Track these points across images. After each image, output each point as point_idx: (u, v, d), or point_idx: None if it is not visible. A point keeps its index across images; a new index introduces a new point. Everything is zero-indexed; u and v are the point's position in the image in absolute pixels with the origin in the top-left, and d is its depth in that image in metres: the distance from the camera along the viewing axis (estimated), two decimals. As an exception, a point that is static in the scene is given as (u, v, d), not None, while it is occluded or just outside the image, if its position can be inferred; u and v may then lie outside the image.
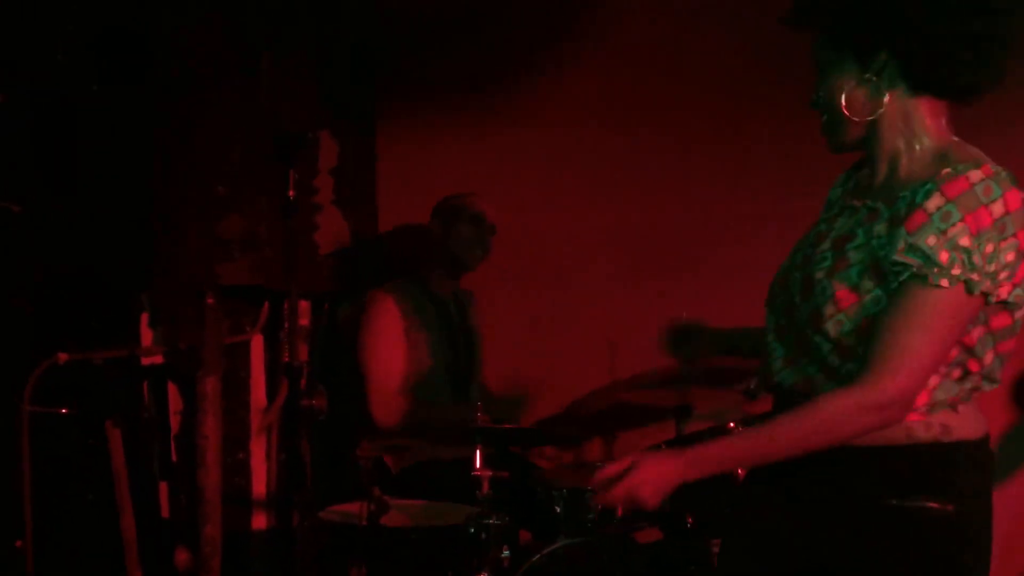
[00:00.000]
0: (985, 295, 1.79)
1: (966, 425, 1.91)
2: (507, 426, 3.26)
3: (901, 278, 1.79)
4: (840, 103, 1.89)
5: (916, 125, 1.89)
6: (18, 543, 2.59)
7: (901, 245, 1.79)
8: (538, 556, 2.93)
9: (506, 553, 2.87)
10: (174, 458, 3.49)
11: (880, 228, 1.84)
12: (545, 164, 4.15)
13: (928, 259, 1.76)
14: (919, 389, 1.83)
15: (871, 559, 1.89)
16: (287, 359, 2.61)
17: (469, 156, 4.16)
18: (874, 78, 1.86)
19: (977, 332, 1.85)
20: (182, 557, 3.25)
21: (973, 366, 1.87)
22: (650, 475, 1.92)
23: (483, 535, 2.82)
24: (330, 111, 4.05)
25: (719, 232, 3.98)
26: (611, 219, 4.08)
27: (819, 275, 1.88)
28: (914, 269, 1.77)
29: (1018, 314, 1.87)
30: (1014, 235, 1.78)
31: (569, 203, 4.12)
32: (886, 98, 1.86)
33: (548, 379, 4.13)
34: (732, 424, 2.92)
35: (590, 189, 4.11)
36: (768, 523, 2.02)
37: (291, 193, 2.52)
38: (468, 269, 3.81)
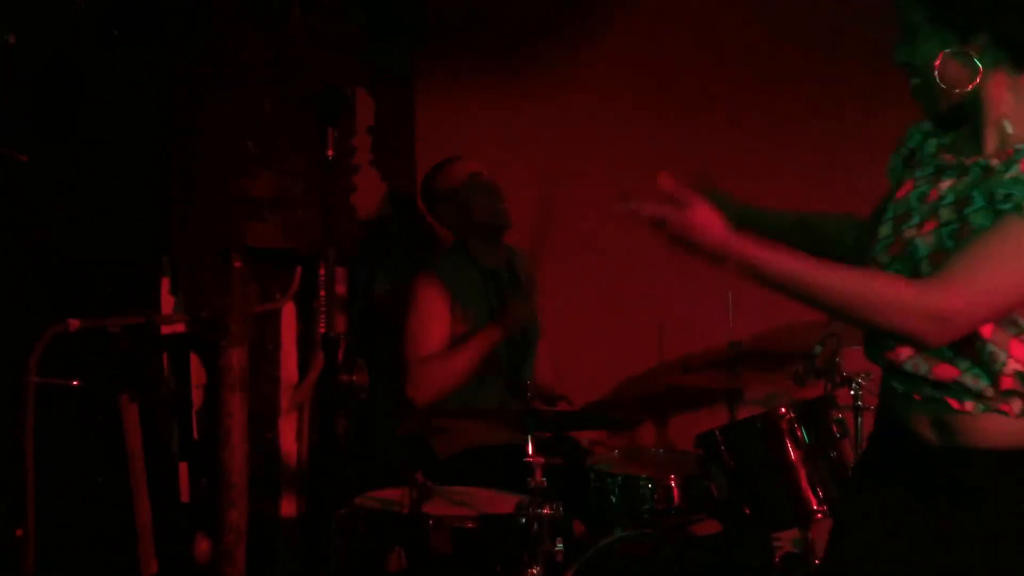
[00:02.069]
0: None
1: None
2: (559, 409, 3.10)
3: (1002, 207, 1.80)
4: (936, 75, 1.92)
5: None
6: (18, 532, 2.39)
7: (1014, 173, 1.82)
8: (593, 551, 2.85)
9: (560, 546, 2.74)
10: (195, 437, 3.35)
11: (998, 180, 1.86)
12: (588, 131, 4.09)
13: None
14: (975, 321, 1.81)
15: (1009, 567, 1.86)
16: (323, 330, 2.50)
17: (510, 118, 4.11)
18: (974, 55, 1.89)
19: None
20: (203, 546, 3.08)
21: None
22: (702, 219, 1.95)
23: (535, 526, 2.67)
24: (367, 67, 3.94)
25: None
26: (658, 191, 3.95)
27: (950, 244, 1.87)
28: (1017, 199, 1.78)
29: None
30: None
31: (617, 173, 4.00)
32: (988, 75, 1.90)
33: (594, 360, 4.07)
34: (783, 409, 2.88)
35: (640, 158, 3.97)
36: (890, 522, 1.96)
37: (330, 152, 2.44)
38: (507, 227, 3.64)
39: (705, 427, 2.99)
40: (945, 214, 1.88)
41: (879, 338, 1.94)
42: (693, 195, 1.96)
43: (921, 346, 1.85)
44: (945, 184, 1.92)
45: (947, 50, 1.88)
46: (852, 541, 2.02)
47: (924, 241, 1.89)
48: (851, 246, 2.14)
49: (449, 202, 3.62)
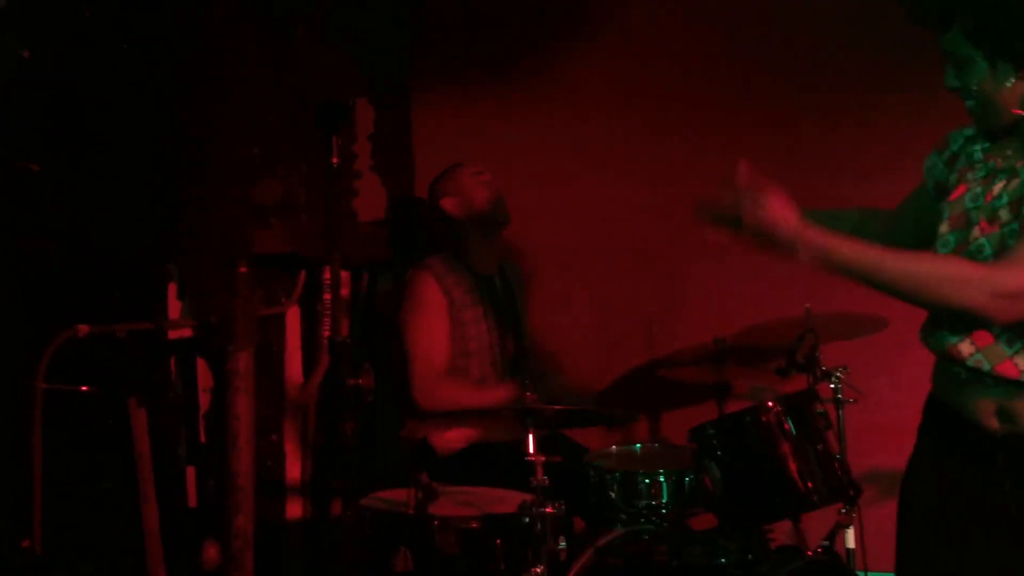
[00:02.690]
0: None
1: None
2: (557, 407, 3.11)
3: None
4: (995, 98, 2.03)
5: None
6: (24, 542, 2.38)
7: None
8: (594, 549, 2.85)
9: (563, 544, 2.75)
10: (203, 440, 3.36)
11: None
12: (580, 136, 4.14)
13: None
14: None
15: None
16: (328, 333, 2.49)
17: (505, 126, 4.16)
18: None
19: None
20: (211, 553, 3.06)
21: None
22: (779, 207, 1.99)
23: (539, 525, 2.69)
24: (367, 77, 3.98)
25: None
26: (646, 195, 4.06)
27: (1011, 242, 1.92)
28: None
29: None
30: None
31: (606, 178, 4.10)
32: None
33: (585, 357, 4.14)
34: (770, 403, 2.90)
35: (628, 163, 4.09)
36: (956, 505, 2.01)
37: (335, 160, 2.44)
38: (506, 222, 3.69)
39: (697, 421, 3.01)
40: (1004, 215, 1.96)
41: (941, 332, 1.98)
42: (770, 183, 2.00)
43: (990, 324, 1.90)
44: (998, 186, 1.99)
45: (1008, 80, 1.98)
46: (922, 527, 2.07)
47: (989, 241, 1.95)
48: (879, 233, 2.18)
49: (453, 196, 3.67)
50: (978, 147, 2.11)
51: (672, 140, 4.03)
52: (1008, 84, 2.01)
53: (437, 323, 3.52)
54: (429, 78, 4.24)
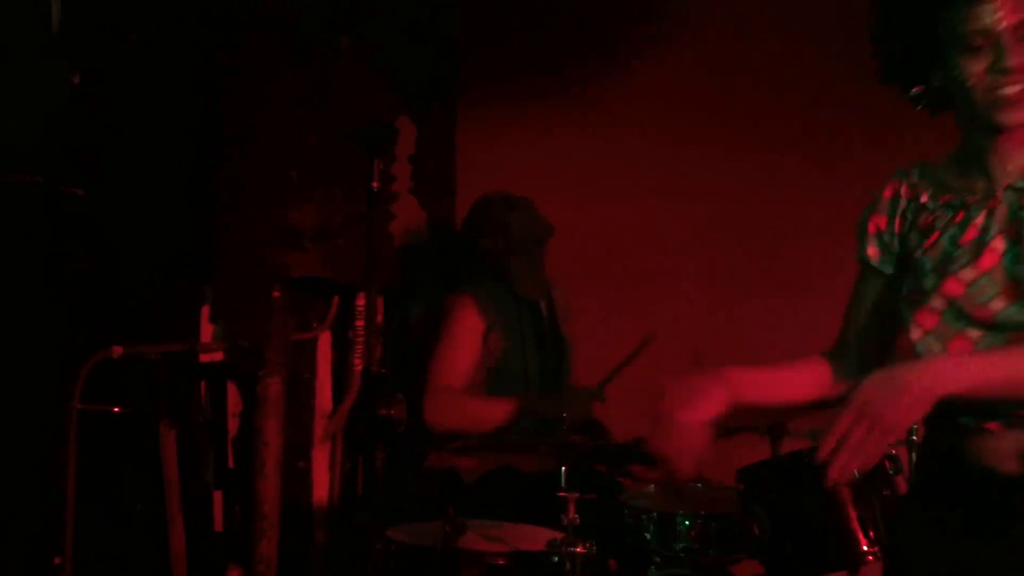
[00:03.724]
0: None
1: None
2: (593, 442, 3.06)
3: None
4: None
5: None
6: (56, 560, 2.38)
7: None
8: None
9: None
10: (231, 465, 3.33)
11: None
12: (629, 159, 4.08)
13: None
14: None
15: None
16: (359, 362, 2.47)
17: (549, 146, 4.11)
18: None
19: None
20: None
21: None
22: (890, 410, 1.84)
23: (568, 565, 2.62)
24: (408, 96, 3.95)
25: (813, 231, 3.85)
26: (694, 216, 4.01)
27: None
28: None
29: None
30: None
31: (652, 199, 4.05)
32: None
33: (627, 389, 3.89)
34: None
35: (675, 184, 4.04)
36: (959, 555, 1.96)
37: (375, 184, 2.40)
38: (547, 236, 3.64)
39: (745, 461, 2.95)
40: (998, 245, 1.88)
41: None
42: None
43: None
44: (979, 219, 1.92)
45: None
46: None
47: (991, 278, 1.87)
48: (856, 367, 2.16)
49: (488, 233, 3.62)
50: (925, 192, 2.08)
51: (721, 158, 3.96)
52: None
53: (465, 346, 3.47)
54: (475, 96, 4.21)
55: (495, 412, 3.39)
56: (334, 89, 3.54)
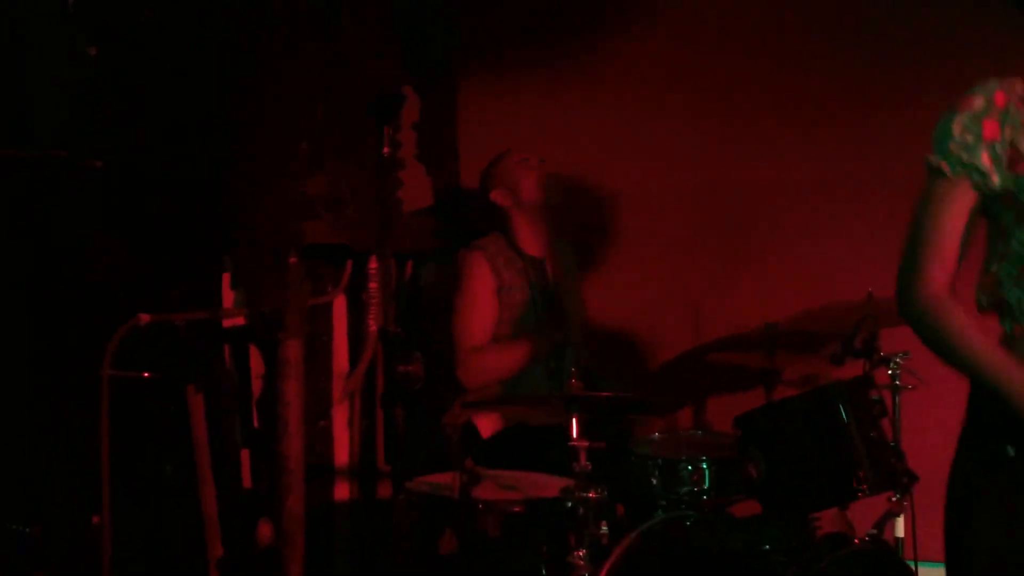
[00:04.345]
0: None
1: None
2: (602, 394, 3.14)
3: None
4: None
5: None
6: (95, 519, 2.48)
7: None
8: (636, 533, 2.82)
9: (604, 529, 2.76)
10: (256, 425, 3.42)
11: None
12: (628, 121, 4.08)
13: None
14: None
15: None
16: (372, 324, 2.54)
17: (550, 111, 4.11)
18: None
19: None
20: (265, 531, 3.15)
21: None
22: None
23: (581, 510, 2.71)
24: (412, 65, 3.97)
25: (806, 192, 3.88)
26: (693, 178, 4.01)
27: None
28: None
29: None
30: None
31: (652, 160, 4.06)
32: None
33: (629, 342, 4.09)
34: (822, 389, 2.86)
35: (674, 146, 4.04)
36: None
37: (386, 150, 2.45)
38: (555, 202, 3.69)
39: (742, 409, 2.95)
40: None
41: None
42: None
43: None
44: None
45: None
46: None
47: None
48: None
49: (501, 188, 3.69)
50: None
51: (721, 119, 3.97)
52: None
53: (483, 301, 3.54)
54: (475, 63, 4.22)
55: (517, 352, 3.49)
56: (340, 60, 3.56)
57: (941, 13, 3.66)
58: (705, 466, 3.02)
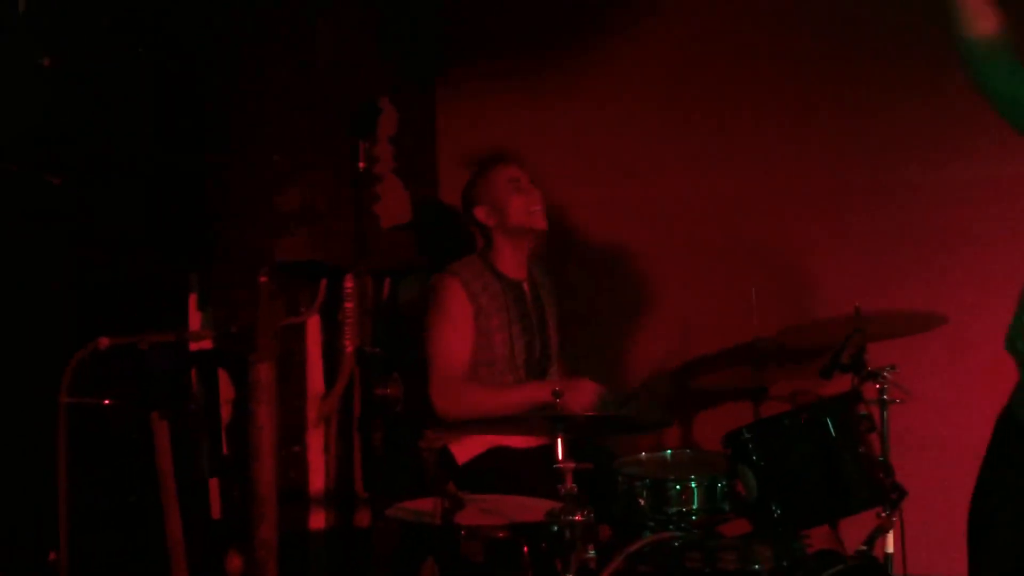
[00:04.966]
0: None
1: None
2: (588, 413, 3.09)
3: None
4: None
5: None
6: (51, 555, 2.38)
7: None
8: (623, 556, 2.78)
9: (592, 553, 2.70)
10: (225, 451, 3.35)
11: None
12: (613, 135, 4.09)
13: None
14: None
15: None
16: (349, 345, 2.47)
17: (531, 124, 4.11)
18: None
19: None
20: (235, 563, 3.05)
21: None
22: None
23: (567, 533, 2.65)
24: (388, 78, 3.94)
25: (793, 207, 3.90)
26: (678, 191, 4.02)
27: None
28: None
29: None
30: None
31: (634, 174, 4.06)
32: None
33: (616, 359, 4.07)
34: (810, 405, 2.91)
35: (657, 159, 4.04)
36: None
37: (362, 165, 2.39)
38: (541, 229, 3.61)
39: (730, 426, 2.96)
40: None
41: None
42: None
43: None
44: None
45: None
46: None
47: None
48: None
49: (485, 204, 3.59)
50: None
51: (707, 132, 3.96)
52: None
53: (460, 329, 3.46)
54: (454, 75, 4.19)
55: (510, 401, 3.39)
56: (315, 72, 3.52)
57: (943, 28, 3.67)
58: (694, 485, 3.01)
